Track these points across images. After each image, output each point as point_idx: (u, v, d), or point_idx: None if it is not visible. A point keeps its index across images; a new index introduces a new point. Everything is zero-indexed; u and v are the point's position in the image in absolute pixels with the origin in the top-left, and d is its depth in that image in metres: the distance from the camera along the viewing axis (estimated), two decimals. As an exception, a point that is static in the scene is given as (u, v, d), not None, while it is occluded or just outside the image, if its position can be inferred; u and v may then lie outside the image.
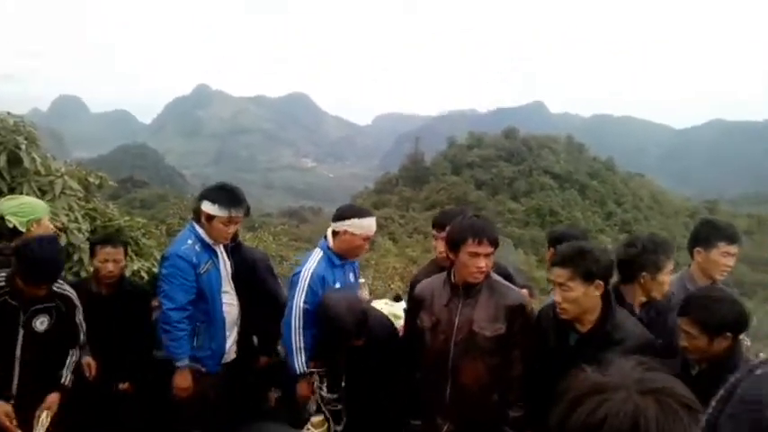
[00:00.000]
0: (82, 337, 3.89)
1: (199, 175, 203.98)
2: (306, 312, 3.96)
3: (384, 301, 4.82)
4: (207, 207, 4.05)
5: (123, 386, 4.48)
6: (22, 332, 3.55)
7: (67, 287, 3.82)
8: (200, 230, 4.11)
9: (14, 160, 5.92)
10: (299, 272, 4.07)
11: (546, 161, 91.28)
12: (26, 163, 5.92)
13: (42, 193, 6.03)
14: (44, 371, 3.67)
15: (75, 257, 5.95)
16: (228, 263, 4.35)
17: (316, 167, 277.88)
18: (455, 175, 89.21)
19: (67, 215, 6.05)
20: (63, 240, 5.80)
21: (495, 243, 3.30)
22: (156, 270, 7.00)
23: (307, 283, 3.99)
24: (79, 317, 3.85)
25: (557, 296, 3.05)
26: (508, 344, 3.29)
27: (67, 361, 3.84)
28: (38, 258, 3.45)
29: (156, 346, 4.46)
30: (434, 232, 4.15)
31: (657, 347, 3.05)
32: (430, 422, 3.51)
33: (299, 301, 3.98)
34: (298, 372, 4.02)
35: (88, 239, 6.21)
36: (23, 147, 5.95)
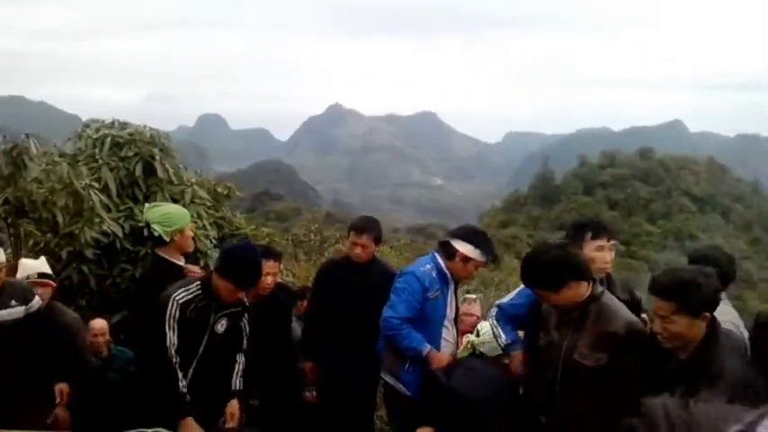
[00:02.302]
0: (245, 342, 4.03)
1: (330, 190, 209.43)
2: None
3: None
4: (466, 249, 4.19)
5: (254, 402, 4.58)
6: (207, 333, 3.75)
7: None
8: (442, 262, 4.24)
9: (149, 170, 6.30)
10: None
11: (685, 182, 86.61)
12: (159, 173, 6.28)
13: (174, 201, 6.35)
14: (215, 370, 3.85)
15: (202, 263, 6.21)
16: (451, 299, 4.38)
17: (444, 185, 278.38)
18: (587, 195, 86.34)
19: (196, 222, 6.33)
20: (191, 247, 6.11)
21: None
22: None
23: None
24: (245, 320, 4.02)
25: (657, 327, 2.84)
26: (611, 376, 3.03)
27: (236, 367, 3.98)
28: (249, 262, 3.68)
29: (297, 359, 4.68)
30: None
31: (760, 389, 2.69)
32: None
33: None
34: None
35: (215, 246, 6.49)
36: (158, 157, 6.31)
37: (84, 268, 5.61)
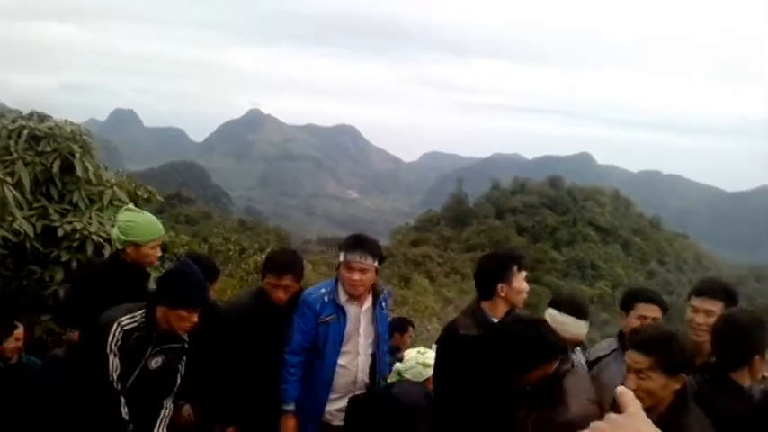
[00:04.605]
0: (177, 385, 3.64)
1: (244, 196, 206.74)
2: None
3: (417, 349, 4.66)
4: (341, 255, 3.95)
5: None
6: (140, 368, 3.41)
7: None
8: (340, 284, 4.01)
9: (67, 167, 5.96)
10: None
11: (590, 213, 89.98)
12: (78, 171, 5.95)
13: (91, 201, 6.05)
14: (139, 411, 3.47)
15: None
16: (365, 323, 4.08)
17: (359, 199, 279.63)
18: (497, 219, 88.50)
19: (113, 226, 6.05)
20: (107, 251, 5.81)
21: None
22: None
23: None
24: (183, 362, 3.62)
25: (630, 382, 2.66)
26: None
27: (161, 414, 3.59)
28: (195, 281, 3.41)
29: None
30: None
31: None
32: None
33: None
34: None
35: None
36: (77, 155, 5.99)
37: (-11, 269, 5.24)
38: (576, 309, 3.60)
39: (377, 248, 4.01)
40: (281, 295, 4.04)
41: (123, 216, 4.01)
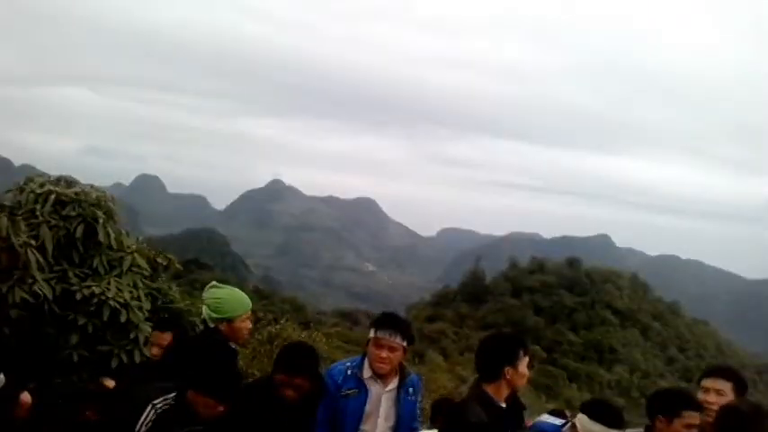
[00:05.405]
0: None
1: (262, 265, 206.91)
2: None
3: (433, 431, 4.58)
4: (372, 332, 3.97)
5: None
6: None
7: None
8: (367, 359, 4.00)
9: (90, 232, 6.10)
10: None
11: (609, 296, 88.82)
12: (101, 236, 6.09)
13: (111, 267, 6.16)
14: None
15: (132, 336, 5.98)
16: (387, 405, 4.01)
17: (376, 272, 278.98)
18: (514, 298, 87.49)
19: (131, 292, 6.13)
20: (123, 317, 5.88)
21: None
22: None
23: None
24: None
25: None
26: None
27: None
28: (231, 375, 3.43)
29: None
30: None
31: None
32: None
33: None
34: None
35: (147, 319, 6.26)
36: (101, 221, 6.13)
37: (6, 330, 5.31)
38: (607, 417, 3.45)
39: (408, 328, 4.02)
40: (290, 393, 3.74)
41: (209, 293, 4.05)
